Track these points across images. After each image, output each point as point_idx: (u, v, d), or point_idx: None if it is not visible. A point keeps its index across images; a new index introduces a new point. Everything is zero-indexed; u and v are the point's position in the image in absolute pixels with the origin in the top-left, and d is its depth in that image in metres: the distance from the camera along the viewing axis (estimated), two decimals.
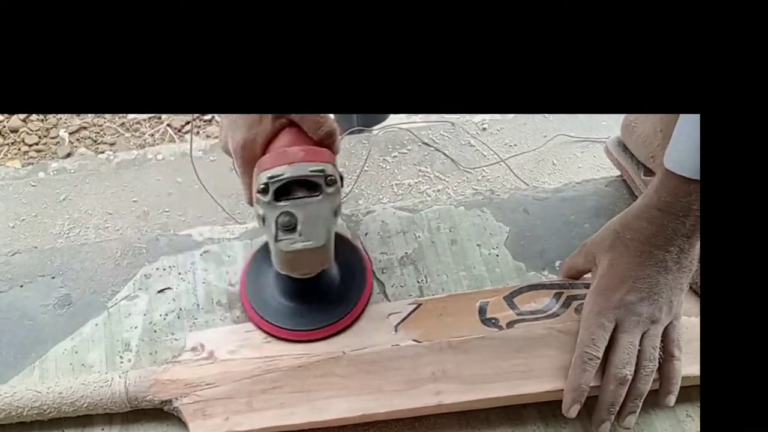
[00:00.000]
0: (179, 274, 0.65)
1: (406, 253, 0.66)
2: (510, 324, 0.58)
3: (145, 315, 0.63)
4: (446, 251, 0.66)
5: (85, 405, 0.56)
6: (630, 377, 0.53)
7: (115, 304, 0.63)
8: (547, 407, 0.57)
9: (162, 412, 0.57)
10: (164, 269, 0.65)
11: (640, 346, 0.54)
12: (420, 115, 1.00)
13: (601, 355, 0.54)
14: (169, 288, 0.64)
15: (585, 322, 0.56)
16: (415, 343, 0.58)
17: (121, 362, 0.60)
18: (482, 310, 0.60)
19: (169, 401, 0.56)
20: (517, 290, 0.61)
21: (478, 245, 0.67)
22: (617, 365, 0.53)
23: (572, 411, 0.54)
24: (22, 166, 1.01)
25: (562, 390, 0.55)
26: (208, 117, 1.10)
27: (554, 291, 0.61)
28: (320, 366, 0.57)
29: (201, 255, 0.66)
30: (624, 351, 0.54)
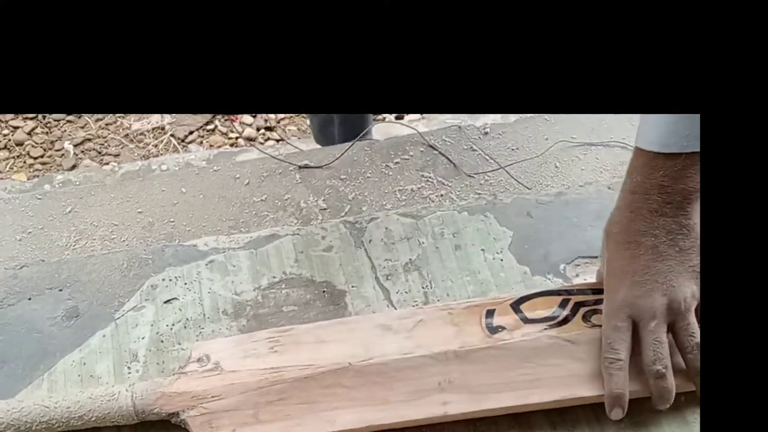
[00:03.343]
0: (185, 284, 0.65)
1: (410, 259, 0.66)
2: (517, 332, 0.58)
3: (152, 325, 0.63)
4: (450, 257, 0.66)
5: (93, 419, 0.56)
6: (664, 371, 0.53)
7: (122, 315, 0.63)
8: (556, 411, 0.57)
9: (170, 423, 0.57)
10: (170, 280, 0.66)
11: (675, 337, 0.54)
12: (422, 121, 1.01)
13: (622, 356, 0.54)
14: (175, 298, 0.65)
15: (602, 329, 0.56)
16: (422, 353, 0.58)
17: (129, 373, 0.60)
18: (489, 318, 0.60)
19: (176, 414, 0.56)
20: (523, 297, 0.61)
21: (482, 250, 0.67)
22: (648, 363, 0.53)
23: (614, 414, 0.54)
24: (28, 179, 1.02)
25: (570, 398, 0.55)
26: (211, 126, 1.11)
27: (561, 298, 0.60)
28: (326, 377, 0.57)
29: (206, 265, 0.67)
30: (649, 348, 0.53)
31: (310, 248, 0.68)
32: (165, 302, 0.64)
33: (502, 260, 0.66)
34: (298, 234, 0.69)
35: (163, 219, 0.71)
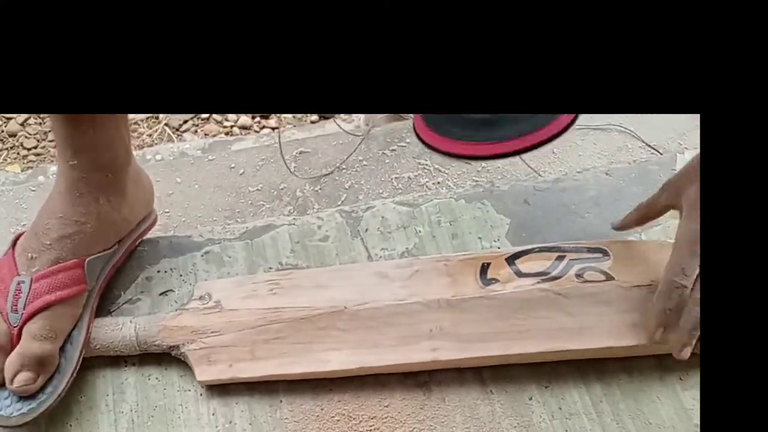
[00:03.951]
0: (180, 276, 0.65)
1: (407, 248, 0.66)
2: (510, 285, 0.59)
3: None
4: (447, 245, 0.66)
5: (97, 346, 0.59)
6: None
7: (118, 308, 0.63)
8: (554, 400, 0.57)
9: (171, 356, 0.59)
10: (165, 272, 0.65)
11: None
12: None
13: (690, 283, 0.53)
14: (171, 290, 0.64)
15: (678, 250, 0.54)
16: (415, 300, 0.59)
17: (126, 366, 0.60)
18: (483, 271, 0.60)
19: (177, 347, 0.58)
20: (519, 252, 0.61)
21: (479, 238, 0.67)
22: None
23: (658, 334, 0.55)
24: (22, 171, 1.01)
25: (558, 351, 0.56)
26: (205, 115, 1.10)
27: (556, 254, 0.61)
28: (322, 319, 0.58)
29: (202, 256, 0.66)
30: None
31: (306, 238, 0.67)
32: (160, 294, 0.64)
33: (499, 248, 0.66)
34: (294, 224, 0.68)
35: (158, 209, 0.70)
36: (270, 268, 0.65)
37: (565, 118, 0.55)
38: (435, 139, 0.57)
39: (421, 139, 0.58)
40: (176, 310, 0.60)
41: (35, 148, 1.05)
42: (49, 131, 1.09)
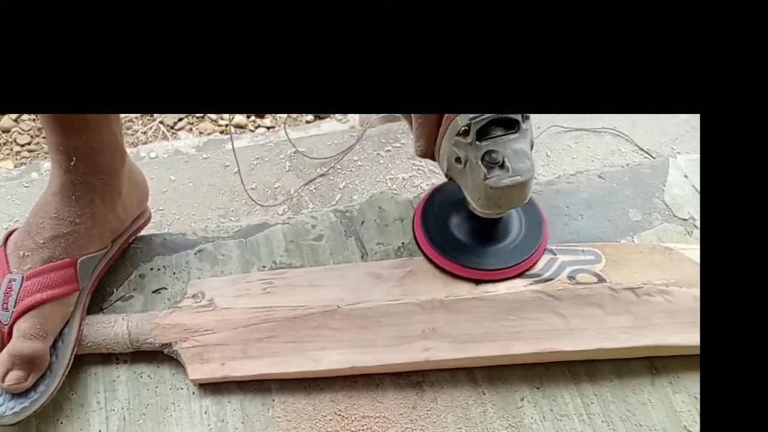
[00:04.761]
0: (174, 273, 0.65)
1: (403, 243, 0.66)
2: (502, 286, 0.59)
3: None
4: None
5: (89, 344, 0.58)
6: None
7: (110, 305, 0.63)
8: (545, 401, 0.57)
9: (163, 354, 0.59)
10: (159, 269, 0.65)
11: None
12: None
13: None
14: (164, 288, 0.64)
15: None
16: (408, 301, 0.59)
17: (117, 363, 0.60)
18: None
19: (169, 345, 0.58)
20: None
21: None
22: None
23: None
24: (15, 167, 1.00)
25: (549, 352, 0.57)
26: (200, 114, 1.10)
27: (549, 256, 0.62)
28: (315, 318, 0.58)
29: (195, 254, 0.66)
30: None
31: (300, 237, 0.67)
32: (153, 292, 0.64)
33: None
34: (288, 223, 0.68)
35: (152, 207, 0.70)
36: (264, 266, 0.65)
37: (539, 252, 0.62)
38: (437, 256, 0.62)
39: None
40: (169, 308, 0.61)
41: (28, 144, 1.04)
42: (43, 127, 1.09)
